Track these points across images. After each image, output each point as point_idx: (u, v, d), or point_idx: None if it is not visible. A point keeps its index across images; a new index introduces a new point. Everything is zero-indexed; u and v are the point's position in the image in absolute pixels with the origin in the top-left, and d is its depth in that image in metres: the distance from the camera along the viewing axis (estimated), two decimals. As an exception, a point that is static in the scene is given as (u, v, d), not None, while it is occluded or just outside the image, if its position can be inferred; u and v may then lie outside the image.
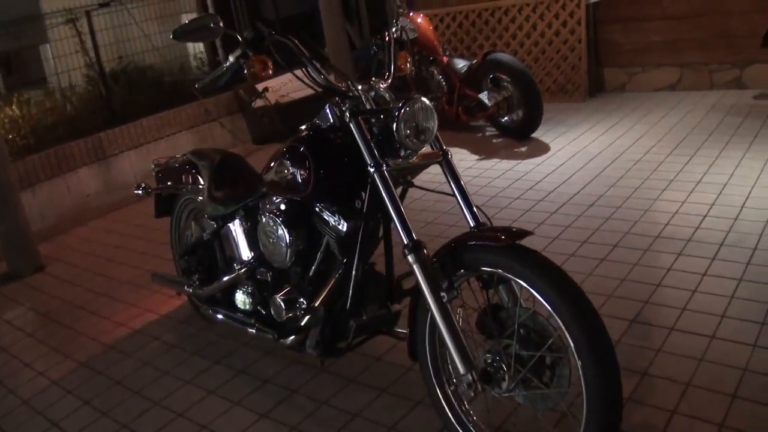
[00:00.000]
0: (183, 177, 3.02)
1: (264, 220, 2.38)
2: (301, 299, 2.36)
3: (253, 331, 2.57)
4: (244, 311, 2.70)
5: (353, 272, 2.21)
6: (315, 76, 2.10)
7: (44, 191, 5.15)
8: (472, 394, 1.89)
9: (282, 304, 2.37)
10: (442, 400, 2.13)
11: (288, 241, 2.31)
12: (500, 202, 4.14)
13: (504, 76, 5.21)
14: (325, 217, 2.25)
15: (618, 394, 1.73)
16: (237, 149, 6.35)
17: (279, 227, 2.32)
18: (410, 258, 1.92)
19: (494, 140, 5.46)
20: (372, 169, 1.99)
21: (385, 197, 1.98)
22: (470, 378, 1.85)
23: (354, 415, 2.42)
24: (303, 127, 2.25)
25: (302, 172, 2.14)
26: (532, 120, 5.22)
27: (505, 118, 5.34)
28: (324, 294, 2.29)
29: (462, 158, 5.08)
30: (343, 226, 2.19)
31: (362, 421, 2.38)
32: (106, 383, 2.91)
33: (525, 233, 1.84)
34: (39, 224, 4.94)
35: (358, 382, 2.62)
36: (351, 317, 2.26)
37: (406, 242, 1.94)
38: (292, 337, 2.39)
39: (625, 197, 3.92)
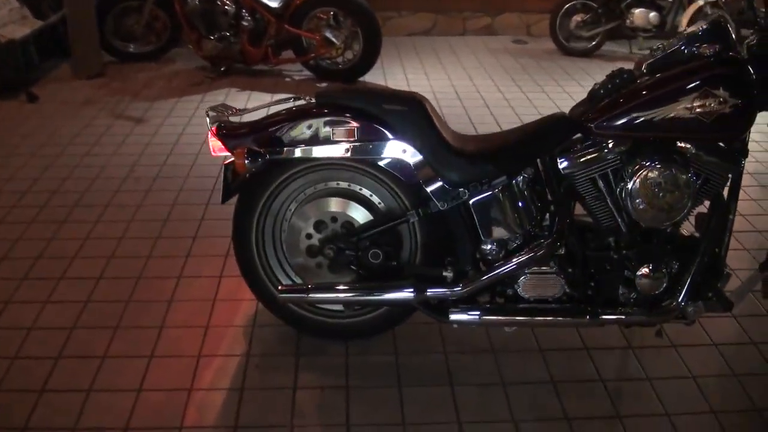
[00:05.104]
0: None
1: (648, 171, 1.85)
2: (671, 263, 1.99)
3: (584, 318, 2.00)
4: (541, 299, 2.04)
5: (731, 218, 1.96)
6: None
7: None
8: None
9: (663, 273, 1.96)
10: None
11: (691, 192, 1.87)
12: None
13: (340, 12, 4.75)
14: (729, 158, 1.90)
15: None
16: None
17: (681, 176, 1.85)
18: None
19: (319, 85, 4.93)
20: None
21: None
22: None
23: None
24: (701, 46, 1.84)
25: (739, 106, 1.79)
26: (369, 60, 4.90)
27: (329, 60, 4.90)
28: (704, 248, 1.95)
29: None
30: (738, 167, 1.92)
31: None
32: None
33: None
34: None
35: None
36: (724, 273, 2.00)
37: None
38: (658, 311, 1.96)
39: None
